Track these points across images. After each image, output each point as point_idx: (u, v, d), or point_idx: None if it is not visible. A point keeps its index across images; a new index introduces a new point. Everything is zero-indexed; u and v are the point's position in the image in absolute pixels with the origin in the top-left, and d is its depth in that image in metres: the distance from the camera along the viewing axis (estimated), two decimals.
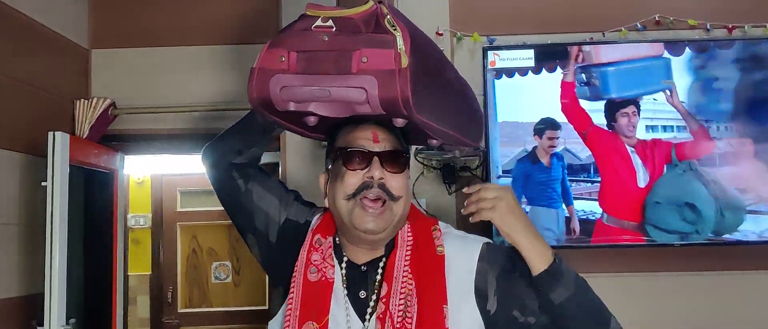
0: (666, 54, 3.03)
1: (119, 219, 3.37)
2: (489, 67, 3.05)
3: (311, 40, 1.45)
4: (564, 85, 3.04)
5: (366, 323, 1.40)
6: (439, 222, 1.52)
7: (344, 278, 1.44)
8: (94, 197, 3.23)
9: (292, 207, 1.59)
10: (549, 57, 3.06)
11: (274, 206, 1.58)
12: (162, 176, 5.17)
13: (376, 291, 1.42)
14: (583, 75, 3.04)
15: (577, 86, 3.04)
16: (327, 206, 1.50)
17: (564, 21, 3.21)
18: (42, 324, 2.70)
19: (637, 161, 3.01)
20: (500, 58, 3.08)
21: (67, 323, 2.74)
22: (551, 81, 3.05)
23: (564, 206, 3.02)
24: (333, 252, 1.46)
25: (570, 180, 3.03)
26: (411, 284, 1.39)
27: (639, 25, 3.16)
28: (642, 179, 3.00)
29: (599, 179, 3.02)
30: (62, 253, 2.74)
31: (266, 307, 4.94)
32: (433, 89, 1.48)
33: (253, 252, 1.57)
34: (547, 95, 3.03)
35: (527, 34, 3.21)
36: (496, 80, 3.05)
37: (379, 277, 1.43)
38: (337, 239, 1.49)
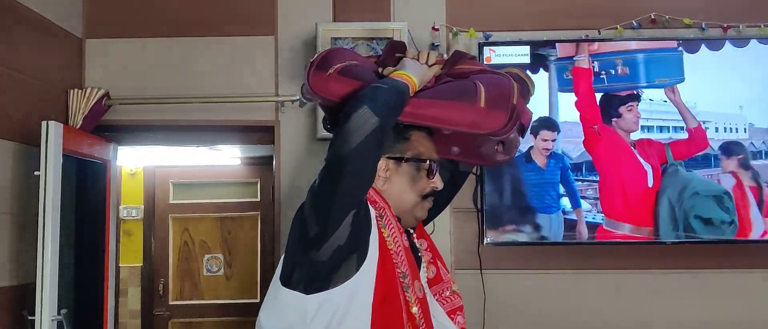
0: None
1: (112, 210, 3.35)
2: (485, 63, 3.04)
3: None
4: (578, 72, 3.03)
5: (422, 266, 1.79)
6: None
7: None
8: (87, 187, 3.21)
9: None
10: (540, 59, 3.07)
11: None
12: (155, 167, 5.15)
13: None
14: (609, 61, 3.02)
15: (595, 74, 3.03)
16: (378, 187, 1.71)
17: (560, 18, 3.21)
18: (33, 315, 2.69)
19: (641, 159, 3.01)
20: (496, 54, 3.08)
21: (59, 314, 2.73)
22: (547, 79, 3.05)
23: (571, 208, 3.02)
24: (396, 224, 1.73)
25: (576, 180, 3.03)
26: (425, 241, 1.86)
27: (635, 23, 3.16)
28: (650, 178, 3.01)
29: (596, 179, 3.02)
30: (54, 243, 2.72)
31: (257, 300, 4.96)
32: None
33: (344, 222, 1.60)
34: (541, 92, 3.03)
35: (523, 30, 3.22)
36: None
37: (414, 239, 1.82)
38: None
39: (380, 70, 1.79)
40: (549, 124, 3.04)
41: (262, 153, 4.61)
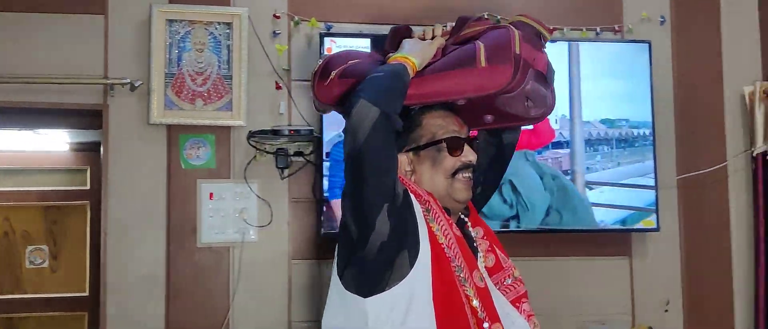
0: None
1: None
2: (325, 53, 3.04)
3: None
4: None
5: (479, 255, 1.74)
6: None
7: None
8: None
9: None
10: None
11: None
12: None
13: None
14: None
15: None
16: (406, 181, 1.66)
17: (402, 13, 3.24)
18: None
19: None
20: (337, 46, 3.08)
21: None
22: None
23: None
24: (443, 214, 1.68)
25: None
26: (481, 229, 1.80)
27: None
28: None
29: None
30: None
31: (86, 293, 4.72)
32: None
33: (380, 218, 1.55)
34: None
35: (365, 23, 3.24)
36: None
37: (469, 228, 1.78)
38: None
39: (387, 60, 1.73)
40: None
41: (93, 139, 4.36)
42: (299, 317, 3.09)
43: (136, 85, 2.99)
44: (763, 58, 3.46)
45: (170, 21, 3.06)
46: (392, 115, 1.55)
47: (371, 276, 1.56)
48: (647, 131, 3.23)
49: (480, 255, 1.75)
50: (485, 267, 1.74)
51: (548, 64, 1.80)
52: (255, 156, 3.08)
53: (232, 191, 3.07)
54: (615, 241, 3.33)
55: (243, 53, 3.08)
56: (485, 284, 1.65)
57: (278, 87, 3.13)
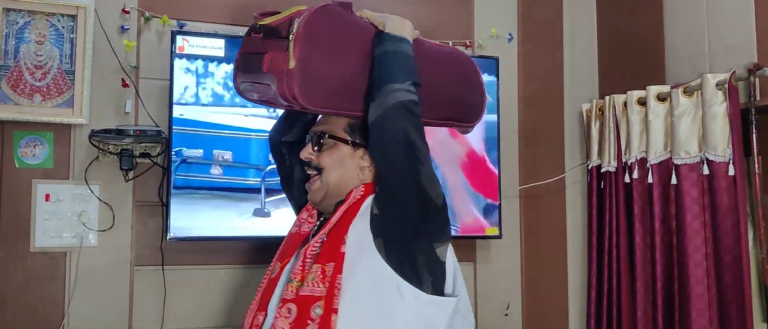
0: None
1: None
2: (177, 52, 2.95)
3: (249, 44, 1.92)
4: None
5: (299, 254, 1.81)
6: None
7: (315, 230, 1.91)
8: None
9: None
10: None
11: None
12: None
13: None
14: None
15: None
16: None
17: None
18: None
19: None
20: (189, 44, 3.00)
21: None
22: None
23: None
24: (317, 212, 1.96)
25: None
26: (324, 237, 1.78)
27: None
28: None
29: None
30: None
31: None
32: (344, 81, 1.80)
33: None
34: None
35: (220, 22, 3.17)
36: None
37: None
38: None
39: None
40: None
41: None
42: (141, 325, 2.97)
43: None
44: (600, 78, 3.70)
45: (7, 10, 2.86)
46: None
47: None
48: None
49: (301, 250, 1.81)
50: (294, 266, 1.80)
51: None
52: (97, 157, 2.93)
53: (71, 192, 2.91)
54: (461, 247, 3.43)
55: (87, 48, 2.92)
56: (277, 275, 1.81)
57: (125, 85, 3.00)
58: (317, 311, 1.66)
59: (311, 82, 1.73)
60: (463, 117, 2.14)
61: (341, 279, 1.68)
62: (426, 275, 1.73)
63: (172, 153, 2.90)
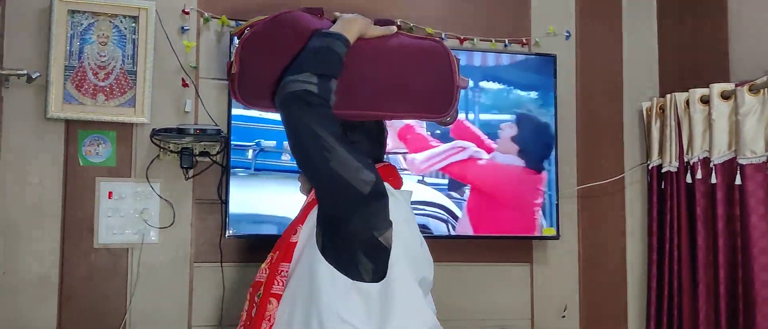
0: None
1: None
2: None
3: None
4: None
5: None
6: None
7: None
8: None
9: None
10: None
11: None
12: None
13: None
14: None
15: None
16: None
17: None
18: None
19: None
20: None
21: None
22: None
23: None
24: None
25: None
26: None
27: None
28: None
29: None
30: None
31: None
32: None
33: None
34: None
35: None
36: None
37: None
38: None
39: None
40: None
41: None
42: (200, 322, 3.01)
43: (34, 76, 2.84)
44: (661, 76, 3.62)
45: (72, 12, 2.93)
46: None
47: None
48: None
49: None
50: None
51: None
52: (158, 155, 2.99)
53: (133, 190, 2.98)
54: (517, 248, 3.41)
55: (149, 48, 2.99)
56: (265, 268, 1.88)
57: (185, 85, 3.05)
58: (258, 295, 1.82)
59: (253, 83, 1.89)
60: (429, 108, 2.05)
61: (289, 267, 1.80)
62: (366, 262, 1.76)
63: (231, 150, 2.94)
